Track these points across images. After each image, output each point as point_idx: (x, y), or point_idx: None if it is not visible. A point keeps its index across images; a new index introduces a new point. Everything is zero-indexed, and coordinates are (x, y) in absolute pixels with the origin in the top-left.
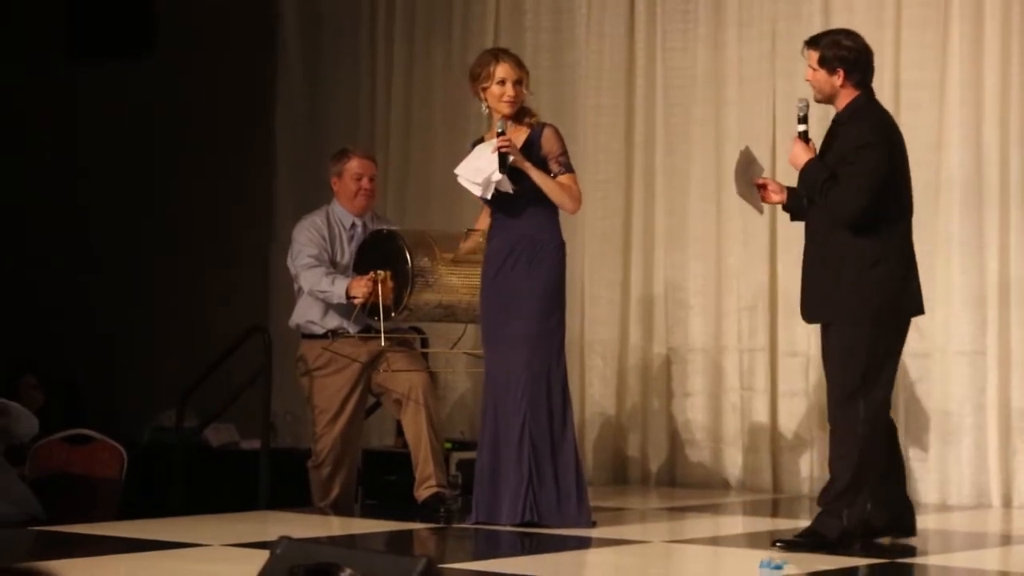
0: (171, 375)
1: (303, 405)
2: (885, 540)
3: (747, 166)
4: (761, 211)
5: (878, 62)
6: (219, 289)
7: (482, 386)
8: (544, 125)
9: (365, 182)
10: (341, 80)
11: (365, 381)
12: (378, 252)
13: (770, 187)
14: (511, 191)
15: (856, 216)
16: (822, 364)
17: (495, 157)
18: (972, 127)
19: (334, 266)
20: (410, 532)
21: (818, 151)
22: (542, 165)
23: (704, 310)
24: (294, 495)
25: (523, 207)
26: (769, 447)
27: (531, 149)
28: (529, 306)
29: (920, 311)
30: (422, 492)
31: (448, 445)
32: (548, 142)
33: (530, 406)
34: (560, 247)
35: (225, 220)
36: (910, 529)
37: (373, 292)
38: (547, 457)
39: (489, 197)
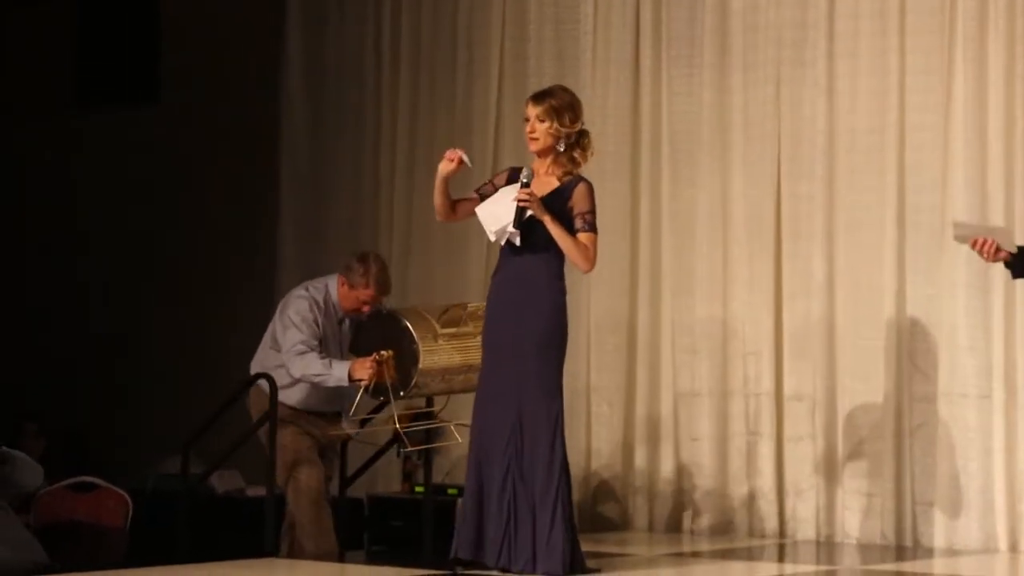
0: (175, 422)
1: None
2: None
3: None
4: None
5: (882, 111)
6: (222, 335)
7: (471, 421)
8: (580, 179)
9: (367, 308)
10: (345, 130)
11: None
12: (377, 332)
13: (988, 246)
14: (518, 243)
15: None
16: None
17: (514, 207)
18: (976, 169)
19: (320, 345)
20: None
21: None
22: (568, 217)
23: (710, 355)
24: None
25: (529, 250)
26: (776, 492)
27: (560, 199)
28: (521, 353)
29: None
30: None
31: (453, 492)
32: (579, 197)
33: (515, 455)
34: (557, 295)
35: (228, 269)
36: None
37: (377, 373)
38: (527, 508)
39: (502, 243)
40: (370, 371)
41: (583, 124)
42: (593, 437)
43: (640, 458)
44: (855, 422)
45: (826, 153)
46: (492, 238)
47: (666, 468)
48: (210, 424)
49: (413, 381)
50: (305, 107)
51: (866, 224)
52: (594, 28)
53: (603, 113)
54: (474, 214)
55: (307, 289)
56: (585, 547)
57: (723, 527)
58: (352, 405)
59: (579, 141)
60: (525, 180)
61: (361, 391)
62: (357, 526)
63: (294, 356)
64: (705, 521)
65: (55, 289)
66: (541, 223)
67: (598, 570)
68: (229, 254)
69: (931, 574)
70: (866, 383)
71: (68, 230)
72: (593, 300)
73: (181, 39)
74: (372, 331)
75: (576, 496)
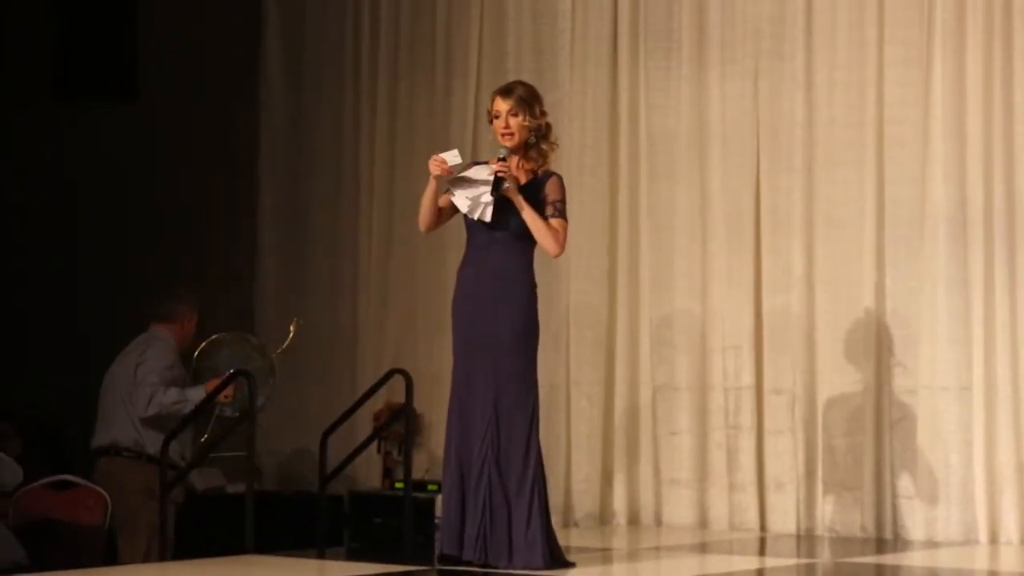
0: None
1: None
2: None
3: None
4: None
5: (860, 100)
6: (200, 335)
7: (447, 412)
8: (552, 173)
9: None
10: (325, 123)
11: None
12: (221, 356)
13: None
14: (488, 219)
15: None
16: None
17: (491, 180)
18: (955, 163)
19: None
20: (399, 574)
21: None
22: (541, 208)
23: (689, 349)
24: (281, 539)
25: (499, 242)
26: (756, 485)
27: (533, 191)
28: (498, 347)
29: None
30: None
31: (433, 488)
32: (552, 188)
33: (491, 448)
34: (531, 288)
35: (209, 268)
36: None
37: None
38: (502, 502)
39: (476, 217)
40: (230, 389)
41: (547, 116)
42: (572, 431)
43: (619, 452)
44: (835, 415)
45: (805, 146)
46: (464, 208)
47: (645, 462)
48: (187, 423)
49: (270, 391)
50: (284, 102)
51: (845, 217)
52: (572, 23)
53: (582, 107)
54: (453, 213)
55: (158, 339)
56: (564, 541)
57: (703, 521)
58: (208, 429)
59: (546, 134)
60: (503, 155)
61: (216, 411)
62: (337, 523)
63: (155, 397)
64: (684, 515)
65: (34, 285)
66: (515, 215)
67: (574, 564)
68: (210, 252)
69: (911, 566)
70: (846, 376)
71: (47, 226)
72: (572, 294)
73: (159, 33)
74: (216, 356)
75: (555, 490)
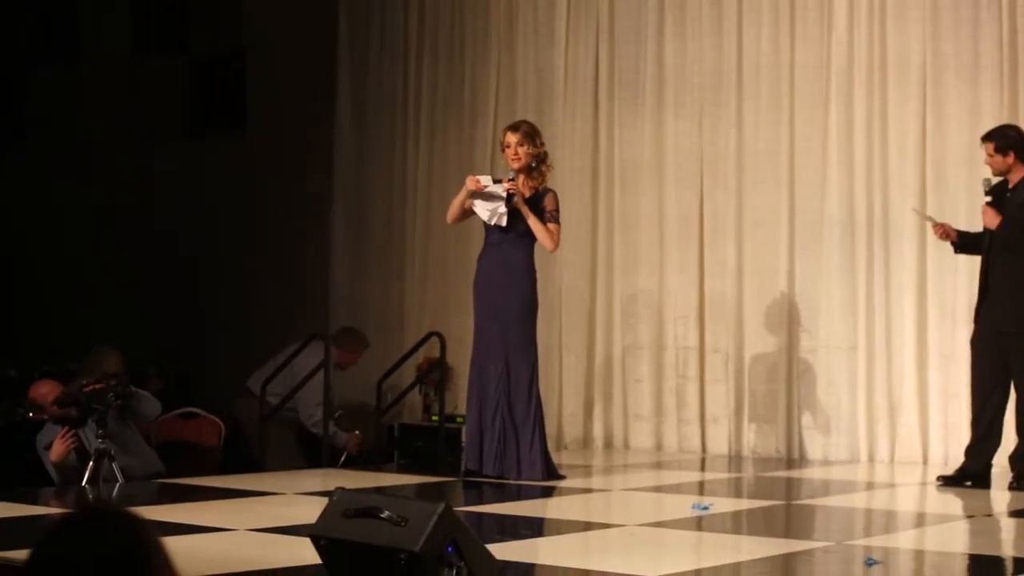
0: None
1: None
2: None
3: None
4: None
5: (777, 139)
6: (285, 312)
7: (469, 365)
8: (549, 190)
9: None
10: (382, 157)
11: None
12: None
13: (943, 230)
14: (504, 225)
15: None
16: (1012, 368)
17: (504, 195)
18: (846, 183)
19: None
20: (434, 484)
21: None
22: (541, 215)
23: (650, 318)
24: (349, 457)
25: (509, 241)
26: (698, 420)
27: (534, 202)
28: (507, 317)
29: None
30: None
31: (460, 420)
32: (549, 200)
33: (503, 393)
34: (531, 274)
35: (296, 261)
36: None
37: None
38: (512, 431)
39: (492, 223)
40: (358, 445)
41: (544, 146)
42: (563, 379)
43: (598, 395)
44: (758, 369)
45: (736, 169)
46: (485, 217)
47: (617, 402)
48: (276, 375)
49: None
50: (352, 140)
51: (766, 222)
52: (564, 77)
53: (571, 140)
54: (471, 214)
55: (334, 366)
56: (557, 459)
57: (660, 446)
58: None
59: (544, 159)
60: (512, 176)
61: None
62: (389, 446)
63: (310, 409)
64: (647, 441)
65: (174, 277)
66: (521, 220)
67: (565, 476)
68: (297, 246)
69: (811, 479)
70: (766, 340)
71: (175, 237)
72: (564, 278)
73: (260, 88)
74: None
75: (550, 422)
